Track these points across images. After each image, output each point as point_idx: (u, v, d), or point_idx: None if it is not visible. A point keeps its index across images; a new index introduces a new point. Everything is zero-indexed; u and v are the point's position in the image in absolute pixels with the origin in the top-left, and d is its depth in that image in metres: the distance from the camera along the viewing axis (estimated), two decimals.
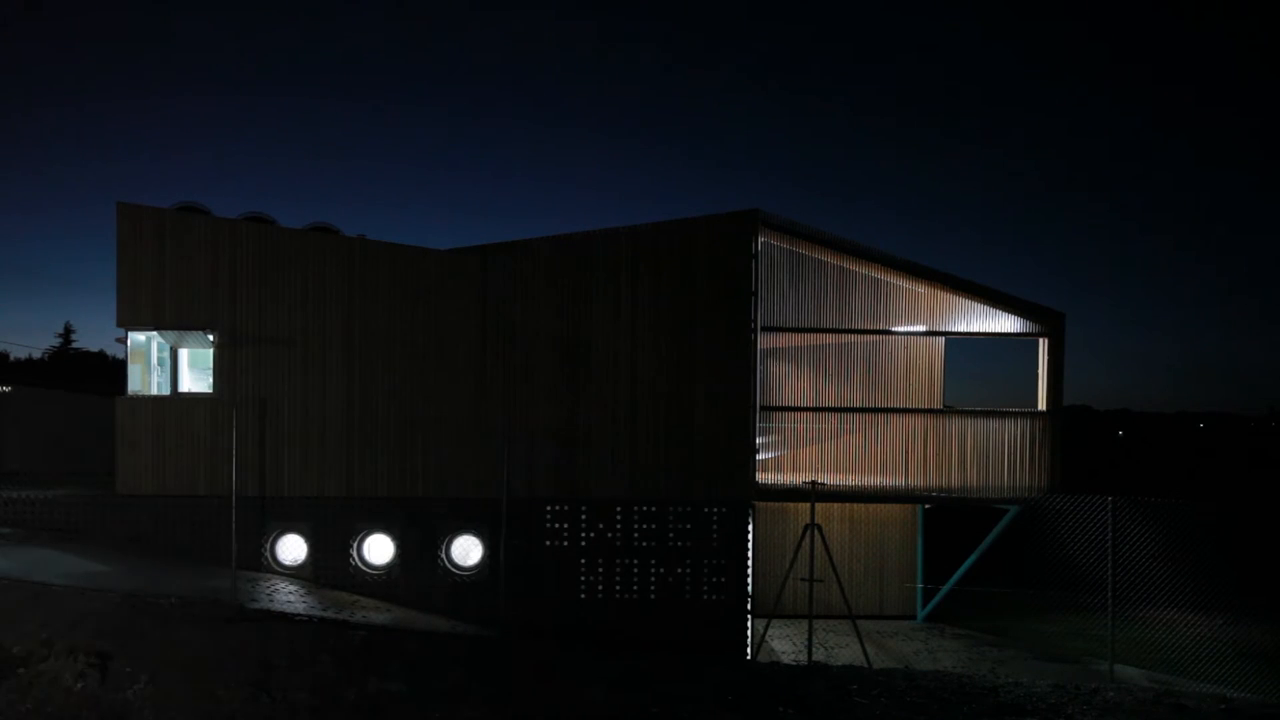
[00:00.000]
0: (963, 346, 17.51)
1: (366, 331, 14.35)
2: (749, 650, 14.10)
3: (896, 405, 16.61)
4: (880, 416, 15.75)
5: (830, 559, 13.48)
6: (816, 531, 12.96)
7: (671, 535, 14.33)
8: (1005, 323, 15.78)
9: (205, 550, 13.50)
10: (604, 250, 14.58)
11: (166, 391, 14.69)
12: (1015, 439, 15.44)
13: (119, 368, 16.77)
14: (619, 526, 14.31)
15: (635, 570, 14.30)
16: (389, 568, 14.07)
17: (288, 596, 12.59)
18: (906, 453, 15.48)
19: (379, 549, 14.11)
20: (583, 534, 14.29)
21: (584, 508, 14.29)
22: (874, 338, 16.65)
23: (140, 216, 14.19)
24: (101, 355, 67.19)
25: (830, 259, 15.75)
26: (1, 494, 14.12)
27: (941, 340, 16.95)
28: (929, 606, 16.95)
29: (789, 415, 15.76)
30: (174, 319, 14.16)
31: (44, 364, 62.78)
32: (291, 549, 14.05)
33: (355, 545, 14.04)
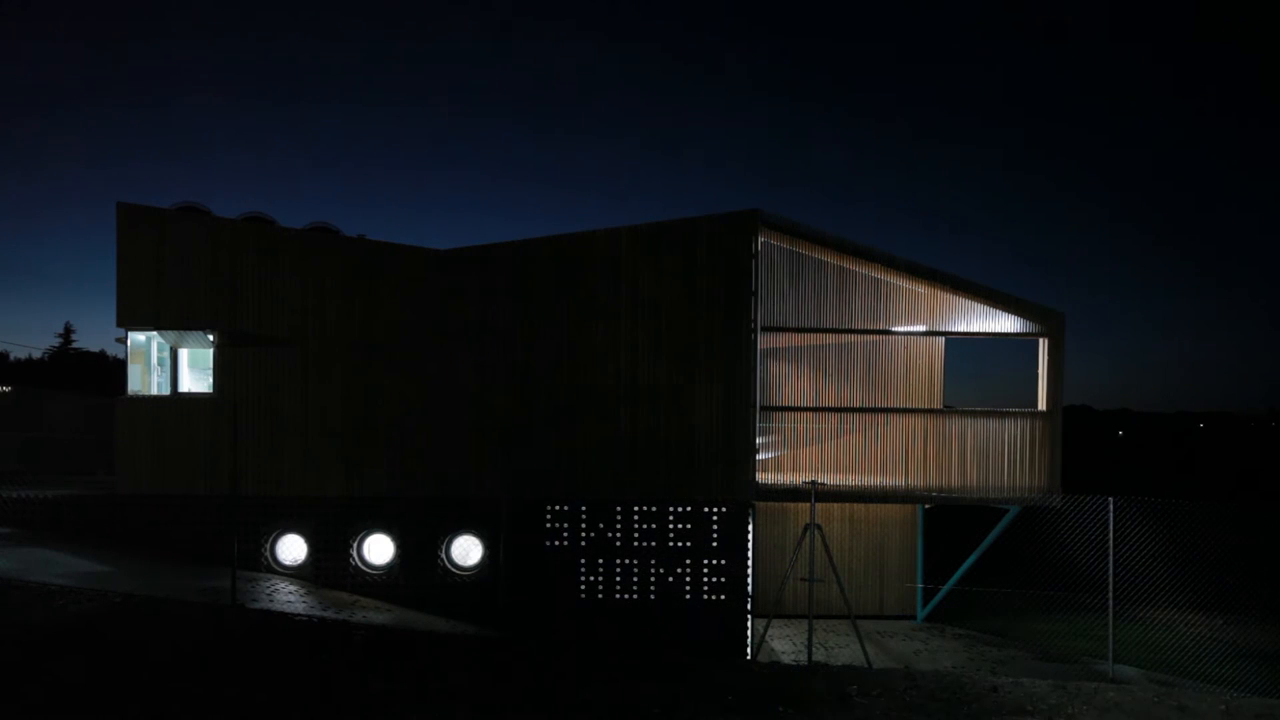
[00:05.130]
0: (963, 346, 17.52)
1: (366, 331, 14.35)
2: (749, 650, 14.10)
3: (896, 405, 16.61)
4: (880, 416, 15.75)
5: (830, 559, 13.48)
6: (816, 531, 12.96)
7: (671, 535, 14.33)
8: (1005, 323, 15.78)
9: (205, 550, 13.50)
10: (604, 250, 14.59)
11: (166, 391, 14.70)
12: (1015, 439, 15.43)
13: (119, 368, 16.77)
14: (619, 526, 14.31)
15: (635, 570, 14.29)
16: (389, 568, 14.08)
17: (288, 596, 12.59)
18: (906, 453, 15.47)
19: (379, 549, 14.11)
20: (583, 534, 14.29)
21: (584, 508, 14.30)
22: (874, 338, 16.65)
23: (140, 217, 14.19)
24: (101, 355, 67.19)
25: (830, 259, 15.75)
26: (1, 494, 14.12)
27: (941, 340, 16.95)
28: (929, 606, 16.95)
29: (789, 415, 15.76)
30: (174, 319, 14.15)
31: (44, 364, 62.76)
32: (291, 549, 14.05)
33: (355, 545, 14.05)
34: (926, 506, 17.00)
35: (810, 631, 12.89)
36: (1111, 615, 11.97)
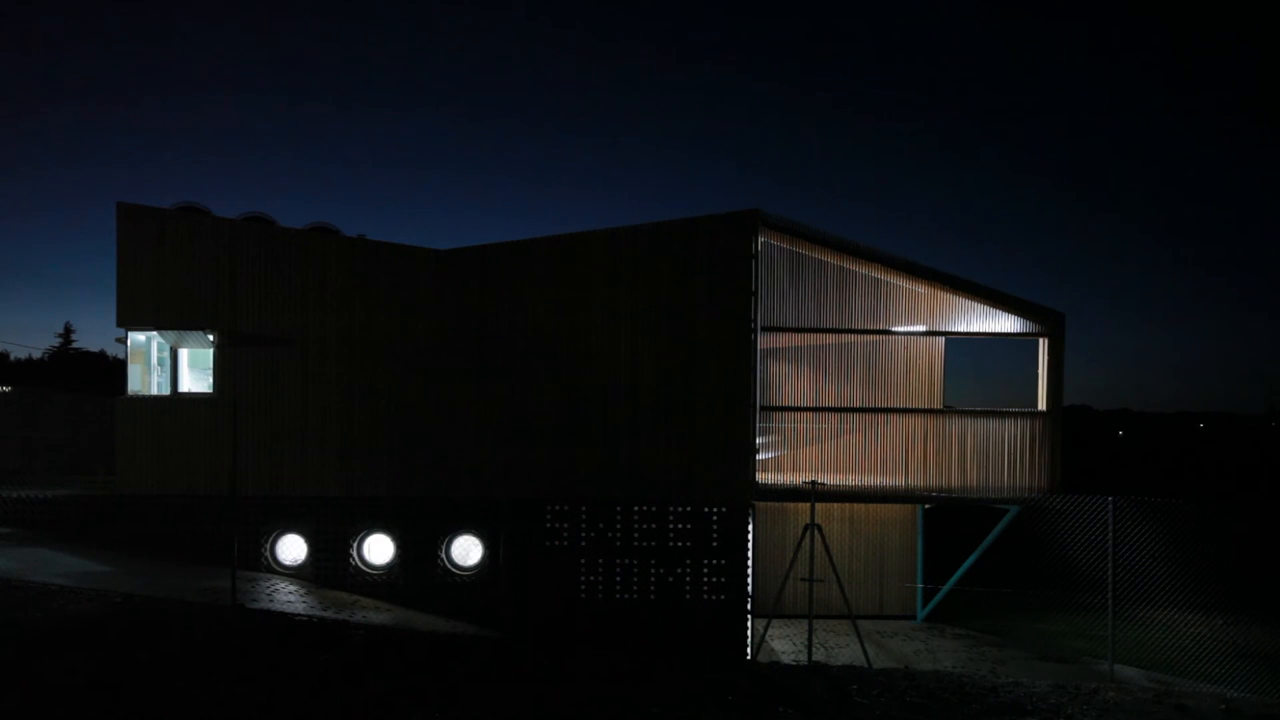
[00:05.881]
0: (963, 346, 17.52)
1: (366, 331, 14.35)
2: (749, 650, 14.09)
3: (896, 405, 16.60)
4: (880, 416, 15.75)
5: (830, 559, 13.47)
6: (816, 531, 12.96)
7: (671, 535, 14.33)
8: (1005, 323, 15.77)
9: (205, 550, 13.50)
10: (604, 250, 14.59)
11: (166, 391, 14.70)
12: (1015, 439, 15.43)
13: (119, 368, 16.77)
14: (619, 526, 14.31)
15: (635, 570, 14.29)
16: (389, 568, 14.08)
17: (288, 596, 12.59)
18: (906, 453, 15.47)
19: (379, 549, 14.12)
20: (583, 534, 14.29)
21: (584, 508, 14.29)
22: (874, 338, 16.64)
23: (140, 217, 14.20)
24: (101, 355, 67.25)
25: (830, 259, 15.75)
26: (1, 494, 14.13)
27: (941, 340, 16.94)
28: (929, 606, 16.94)
29: (789, 415, 15.76)
30: (174, 319, 14.16)
31: (44, 364, 62.81)
32: (291, 549, 14.05)
33: (355, 545, 14.05)
34: (926, 506, 17.00)
35: (810, 631, 12.88)
36: (1111, 615, 11.96)
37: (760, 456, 14.94)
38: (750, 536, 14.42)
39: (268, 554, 13.97)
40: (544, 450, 14.39)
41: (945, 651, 14.52)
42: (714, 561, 14.32)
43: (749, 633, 14.28)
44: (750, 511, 14.45)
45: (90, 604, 10.07)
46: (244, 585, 12.38)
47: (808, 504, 13.32)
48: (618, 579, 14.29)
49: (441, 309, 14.47)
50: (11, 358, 65.62)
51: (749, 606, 14.35)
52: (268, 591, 12.68)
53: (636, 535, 14.32)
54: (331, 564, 13.99)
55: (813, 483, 13.51)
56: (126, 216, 14.16)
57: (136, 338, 15.25)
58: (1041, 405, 15.57)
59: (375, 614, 12.46)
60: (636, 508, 14.33)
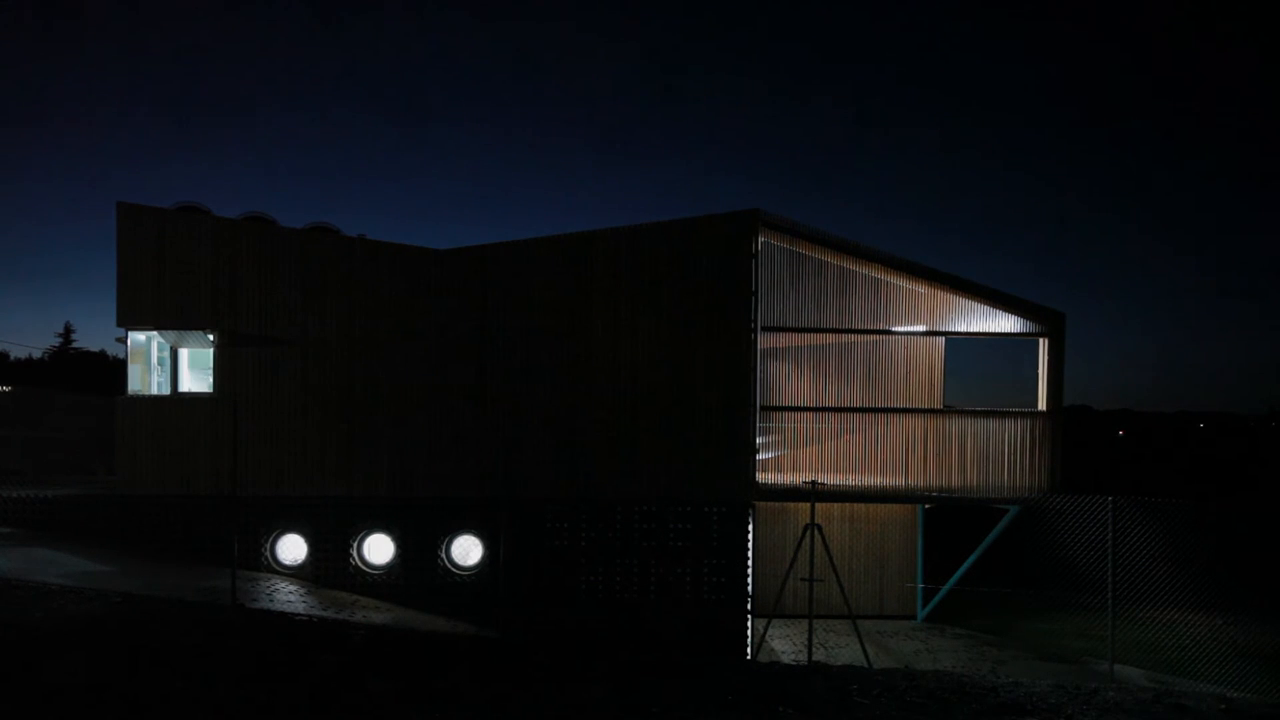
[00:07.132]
0: (963, 346, 17.51)
1: (366, 331, 14.35)
2: (749, 650, 14.10)
3: (896, 405, 16.61)
4: (880, 416, 15.75)
5: (830, 559, 13.47)
6: (816, 531, 12.96)
7: (671, 535, 14.33)
8: (1005, 323, 15.77)
9: (205, 550, 13.50)
10: (604, 250, 14.59)
11: (166, 391, 14.70)
12: (1015, 439, 15.43)
13: (119, 368, 16.76)
14: (619, 526, 14.32)
15: (635, 570, 14.30)
16: (389, 568, 14.08)
17: (288, 596, 12.59)
18: (906, 453, 15.47)
19: (379, 549, 14.12)
20: (583, 534, 14.29)
21: (584, 508, 14.30)
22: (874, 338, 16.66)
23: (140, 217, 14.20)
24: (101, 355, 67.19)
25: (830, 259, 15.75)
26: (1, 494, 14.13)
27: (941, 340, 16.95)
28: (929, 606, 16.95)
29: (789, 415, 15.76)
30: (174, 319, 14.16)
31: (44, 364, 62.79)
32: (291, 549, 14.06)
33: (355, 545, 14.05)
34: (926, 506, 17.00)
35: (810, 631, 12.88)
36: (1111, 615, 11.96)
37: (760, 456, 14.94)
38: (750, 536, 14.42)
39: (268, 554, 13.97)
40: (544, 450, 14.39)
41: (945, 651, 14.52)
42: (714, 561, 14.32)
43: (749, 633, 14.28)
44: (750, 511, 14.45)
45: (90, 604, 10.06)
46: (244, 585, 12.37)
47: (808, 504, 13.32)
48: (618, 579, 14.29)
49: (441, 309, 14.47)
50: (11, 358, 65.62)
51: (749, 606, 14.35)
52: (268, 591, 12.68)
53: (636, 535, 14.32)
54: (331, 564, 13.99)
55: (813, 483, 13.51)
56: (126, 216, 14.15)
57: (136, 338, 15.25)
58: (1041, 405, 15.58)
59: (375, 614, 12.46)
60: (636, 508, 14.33)
